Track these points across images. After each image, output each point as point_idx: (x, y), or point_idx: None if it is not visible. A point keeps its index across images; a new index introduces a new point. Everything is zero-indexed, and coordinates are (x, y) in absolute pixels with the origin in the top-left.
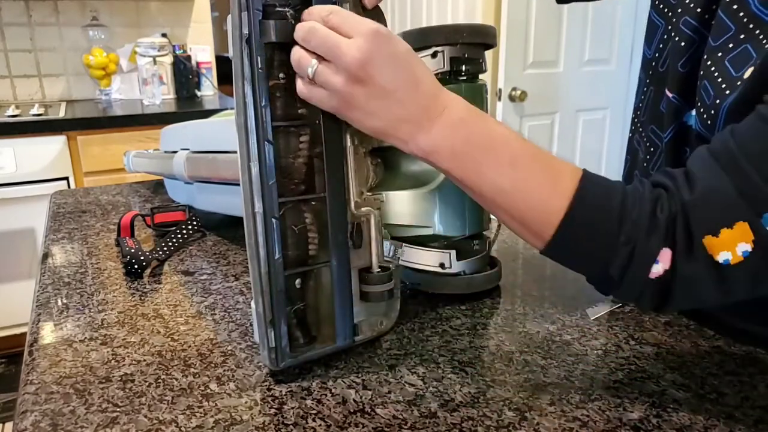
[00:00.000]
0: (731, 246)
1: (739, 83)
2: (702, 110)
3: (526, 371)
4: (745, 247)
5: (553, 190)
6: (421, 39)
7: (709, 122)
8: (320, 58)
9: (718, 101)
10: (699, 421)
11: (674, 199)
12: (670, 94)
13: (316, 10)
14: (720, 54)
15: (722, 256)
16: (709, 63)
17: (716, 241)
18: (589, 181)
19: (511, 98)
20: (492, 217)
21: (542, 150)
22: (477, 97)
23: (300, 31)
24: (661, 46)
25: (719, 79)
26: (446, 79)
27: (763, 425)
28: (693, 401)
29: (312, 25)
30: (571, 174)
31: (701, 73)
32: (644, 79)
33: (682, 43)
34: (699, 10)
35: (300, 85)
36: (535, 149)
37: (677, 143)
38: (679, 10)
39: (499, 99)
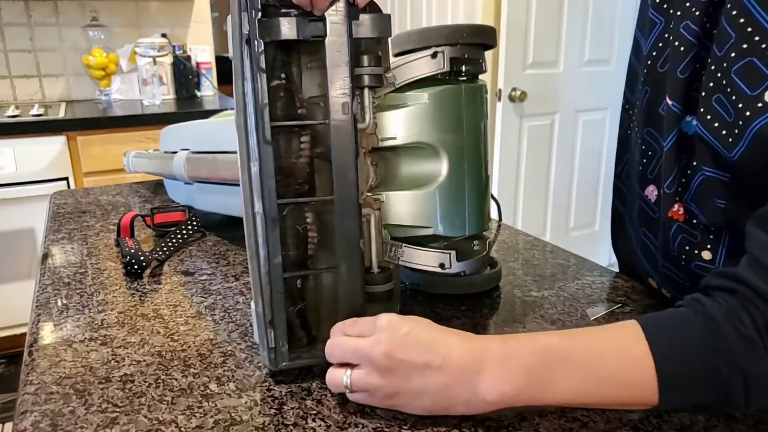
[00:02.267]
0: None
1: (760, 105)
2: (717, 124)
3: None
4: None
5: (633, 364)
6: (421, 39)
7: (730, 140)
8: (350, 366)
9: (741, 123)
10: (699, 422)
11: (753, 304)
12: (669, 102)
13: (336, 328)
14: (725, 65)
15: None
16: (719, 75)
17: None
18: (655, 335)
19: (511, 98)
20: (492, 217)
21: (591, 331)
22: (477, 97)
23: (329, 348)
24: (660, 45)
25: (733, 97)
26: (446, 79)
27: (763, 425)
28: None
29: (337, 341)
30: (634, 335)
31: (710, 84)
32: (639, 74)
33: (682, 48)
34: (698, 13)
35: (347, 396)
36: (587, 338)
37: (677, 150)
38: (679, 12)
39: (499, 99)
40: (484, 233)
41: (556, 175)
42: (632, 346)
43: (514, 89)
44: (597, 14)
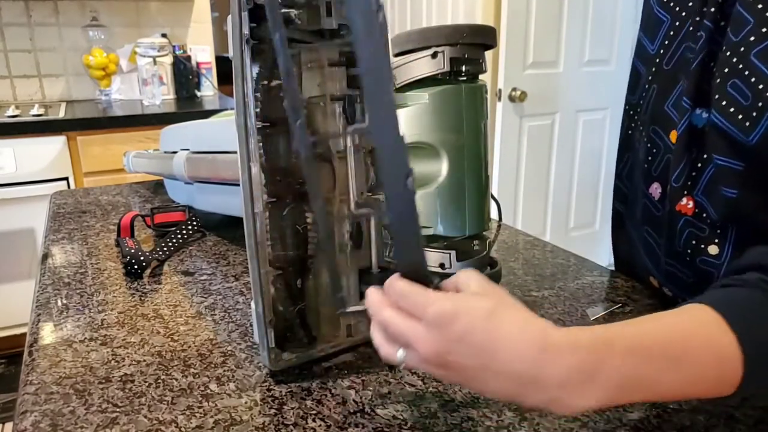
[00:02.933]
0: None
1: None
2: (733, 110)
3: None
4: None
5: (718, 356)
6: (421, 39)
7: (747, 123)
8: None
9: (760, 104)
10: (699, 422)
11: None
12: (684, 98)
13: (387, 290)
14: (743, 49)
15: None
16: (735, 60)
17: None
18: (731, 314)
19: (511, 98)
20: (492, 217)
21: (668, 320)
22: (477, 97)
23: (376, 319)
24: (666, 42)
25: (752, 79)
26: (446, 79)
27: (763, 425)
28: (693, 401)
29: (386, 318)
30: (717, 326)
31: (725, 71)
32: (646, 75)
33: (693, 44)
34: (713, 9)
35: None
36: (668, 329)
37: (686, 143)
38: (685, 13)
39: (499, 99)
40: (484, 233)
41: (556, 175)
42: (719, 337)
43: (514, 89)
44: (597, 14)
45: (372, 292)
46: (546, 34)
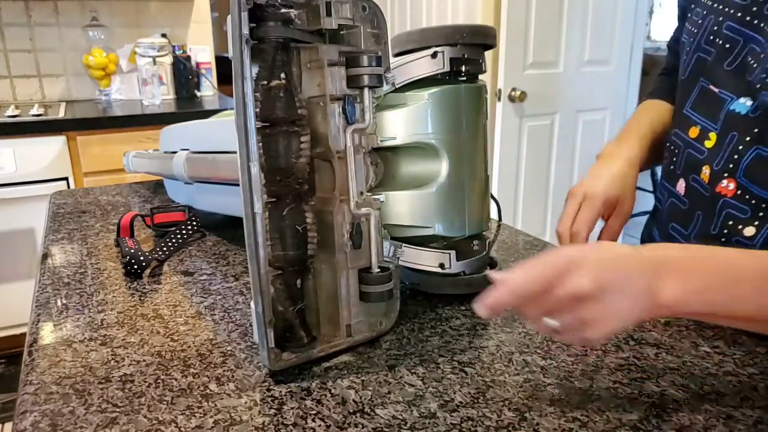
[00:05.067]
0: None
1: None
2: None
3: (526, 372)
4: None
5: None
6: (421, 39)
7: None
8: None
9: None
10: (699, 422)
11: None
12: (716, 89)
13: (514, 292)
14: None
15: None
16: None
17: None
18: None
19: (511, 99)
20: (492, 217)
21: (753, 252)
22: (477, 97)
23: (546, 330)
24: (685, 58)
25: None
26: (446, 79)
27: (762, 425)
28: (693, 401)
29: (555, 325)
30: None
31: (762, 55)
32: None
33: (727, 45)
34: (740, 14)
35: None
36: (755, 255)
37: (725, 131)
38: (713, 17)
39: (499, 99)
40: (483, 233)
41: (556, 175)
42: None
43: (513, 89)
44: (597, 14)
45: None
46: (546, 34)
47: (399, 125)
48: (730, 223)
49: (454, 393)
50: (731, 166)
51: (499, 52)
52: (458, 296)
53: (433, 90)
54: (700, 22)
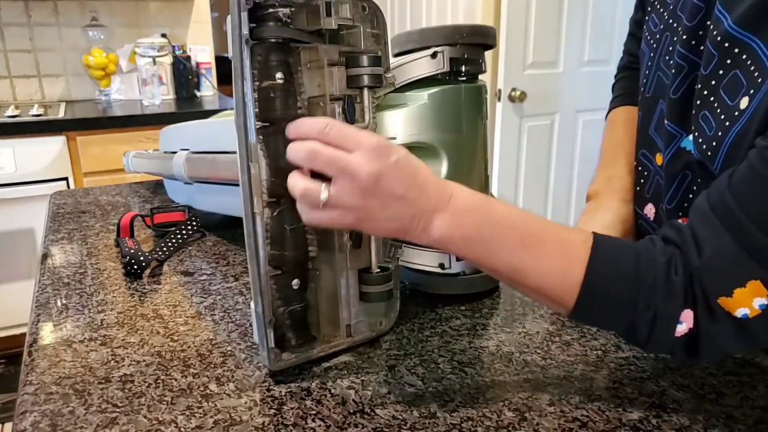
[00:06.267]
0: (747, 303)
1: (736, 113)
2: (701, 140)
3: (526, 371)
4: (761, 300)
5: (567, 263)
6: (421, 39)
7: (709, 153)
8: (321, 178)
9: (720, 133)
10: (699, 422)
11: (687, 259)
12: (666, 122)
13: (307, 124)
14: (714, 82)
15: (740, 312)
16: (705, 92)
17: (731, 301)
18: (600, 249)
19: (511, 99)
20: None
21: (551, 223)
22: (477, 97)
23: (299, 152)
24: (647, 72)
25: (718, 110)
26: (446, 79)
27: (762, 425)
28: (693, 401)
29: (312, 146)
30: (583, 243)
31: (698, 102)
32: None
33: (673, 71)
34: (685, 37)
35: (308, 213)
36: (543, 225)
37: (676, 168)
38: (669, 35)
39: (499, 99)
40: None
41: (556, 175)
42: (577, 249)
43: (513, 89)
44: (597, 14)
45: (294, 129)
46: (546, 34)
47: (399, 125)
48: None
49: (454, 393)
50: (686, 205)
51: (499, 52)
52: (458, 296)
53: (433, 90)
54: (657, 37)
